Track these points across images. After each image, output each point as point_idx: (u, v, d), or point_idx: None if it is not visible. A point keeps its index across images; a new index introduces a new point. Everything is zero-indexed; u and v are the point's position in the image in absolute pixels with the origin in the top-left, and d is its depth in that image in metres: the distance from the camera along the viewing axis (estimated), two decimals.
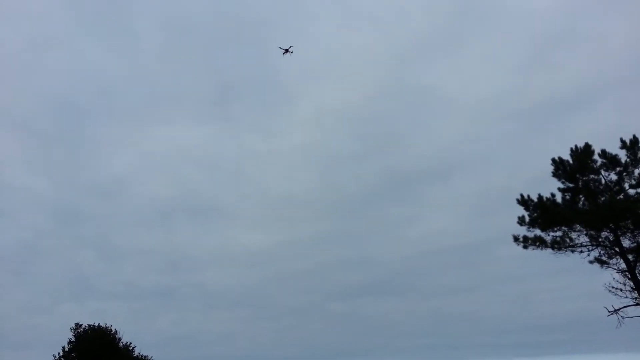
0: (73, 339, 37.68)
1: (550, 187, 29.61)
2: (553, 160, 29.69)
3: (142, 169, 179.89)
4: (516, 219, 30.22)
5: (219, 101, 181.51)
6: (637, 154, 27.74)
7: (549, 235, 29.30)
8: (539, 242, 29.21)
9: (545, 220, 29.13)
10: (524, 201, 29.88)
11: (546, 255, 29.34)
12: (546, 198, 29.21)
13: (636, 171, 27.83)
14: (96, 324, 38.74)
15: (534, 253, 29.70)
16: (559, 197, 29.33)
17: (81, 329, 38.21)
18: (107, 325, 39.05)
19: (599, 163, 28.49)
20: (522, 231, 29.91)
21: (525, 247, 29.65)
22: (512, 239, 30.19)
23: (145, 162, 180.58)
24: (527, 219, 29.81)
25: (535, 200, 29.40)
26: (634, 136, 27.76)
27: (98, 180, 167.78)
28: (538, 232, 29.59)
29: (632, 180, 27.89)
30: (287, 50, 47.59)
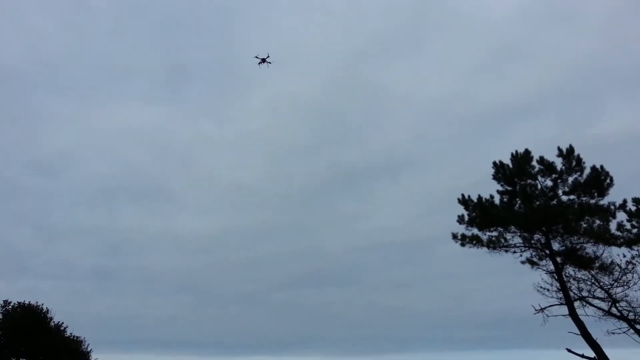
0: (0, 317, 36.33)
1: (492, 189, 30.83)
2: (494, 163, 30.80)
3: (86, 146, 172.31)
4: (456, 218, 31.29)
5: (172, 82, 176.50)
6: (572, 162, 29.09)
7: (485, 234, 30.48)
8: (475, 241, 30.32)
9: (483, 220, 30.27)
10: (464, 201, 30.91)
11: (482, 254, 30.56)
12: (485, 199, 30.33)
13: (570, 179, 29.22)
14: (26, 302, 37.50)
15: (471, 252, 30.86)
16: (497, 199, 30.55)
17: (9, 307, 36.89)
18: (37, 304, 37.87)
19: (536, 169, 29.75)
20: (461, 229, 31.03)
21: (462, 244, 30.71)
22: (451, 237, 31.24)
23: (90, 139, 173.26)
24: (466, 218, 30.87)
25: (475, 200, 30.47)
26: (570, 146, 29.16)
27: (38, 155, 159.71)
28: (476, 231, 30.71)
29: (566, 187, 29.30)
30: (264, 60, 42.99)
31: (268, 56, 43.39)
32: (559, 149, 29.39)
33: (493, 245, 30.10)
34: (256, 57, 43.41)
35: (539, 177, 29.81)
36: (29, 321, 36.06)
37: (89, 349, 40.31)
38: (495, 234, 30.32)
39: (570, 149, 29.17)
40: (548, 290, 29.33)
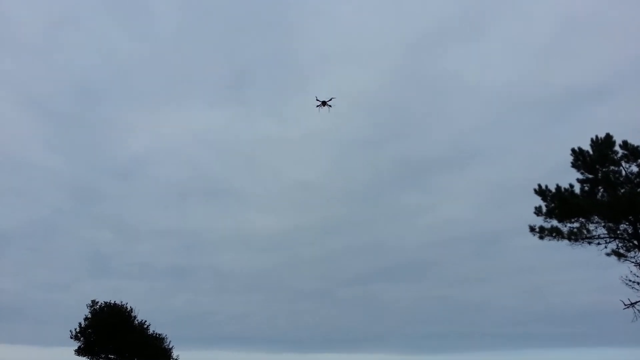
0: (89, 316, 38.65)
1: (569, 179, 29.12)
2: (573, 150, 29.22)
3: (157, 152, 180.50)
4: (533, 210, 29.90)
5: (234, 85, 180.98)
6: None
7: (566, 226, 28.92)
8: (555, 233, 28.86)
9: (563, 211, 28.74)
10: (541, 191, 29.51)
11: (561, 247, 28.97)
12: (564, 189, 28.80)
13: None
14: (112, 302, 39.65)
15: (548, 245, 29.34)
16: (577, 188, 28.88)
17: (97, 306, 39.16)
18: (122, 303, 39.96)
19: (619, 154, 27.95)
20: (539, 221, 29.53)
21: (541, 237, 29.33)
22: (527, 230, 29.90)
23: (161, 144, 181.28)
24: (544, 209, 29.42)
25: (553, 190, 29.02)
26: None
27: (115, 161, 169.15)
28: (555, 222, 29.20)
29: None
30: (324, 103, 37.42)
31: (331, 99, 37.49)
32: None
33: (575, 237, 28.51)
34: (316, 99, 37.63)
35: (623, 163, 27.97)
36: (116, 320, 38.15)
37: (170, 346, 42.08)
38: (576, 225, 28.69)
39: None
40: (638, 283, 27.46)
